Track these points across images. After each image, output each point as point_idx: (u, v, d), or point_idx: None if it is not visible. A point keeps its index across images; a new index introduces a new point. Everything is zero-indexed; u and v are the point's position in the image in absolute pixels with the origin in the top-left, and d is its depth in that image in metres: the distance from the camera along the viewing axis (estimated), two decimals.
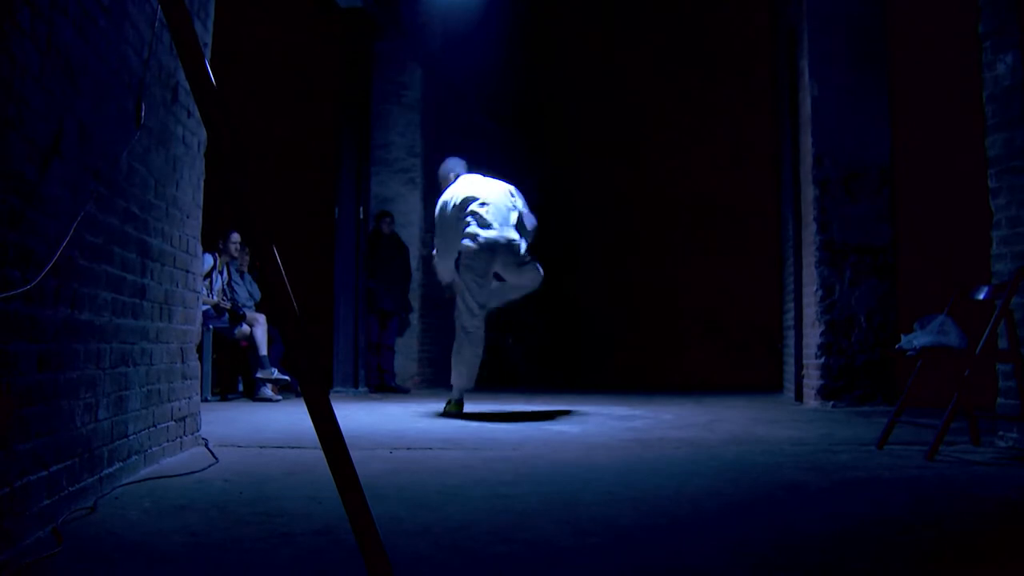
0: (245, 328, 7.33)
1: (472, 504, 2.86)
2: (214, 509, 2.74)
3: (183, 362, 3.88)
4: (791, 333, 7.90)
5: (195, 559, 2.20)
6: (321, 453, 1.98)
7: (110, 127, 2.90)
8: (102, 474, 2.89)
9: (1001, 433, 4.31)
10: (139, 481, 3.16)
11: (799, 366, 7.43)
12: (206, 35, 4.11)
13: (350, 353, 8.37)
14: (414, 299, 9.07)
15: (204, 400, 5.62)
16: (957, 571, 2.21)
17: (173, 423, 3.74)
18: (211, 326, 7.07)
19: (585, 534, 2.49)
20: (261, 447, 4.18)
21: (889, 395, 6.69)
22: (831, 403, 6.76)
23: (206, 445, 4.01)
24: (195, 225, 4.06)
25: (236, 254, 7.70)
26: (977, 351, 3.99)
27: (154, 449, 3.49)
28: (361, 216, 8.53)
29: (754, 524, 2.65)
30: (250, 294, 7.81)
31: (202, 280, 5.96)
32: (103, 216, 2.85)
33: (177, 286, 3.77)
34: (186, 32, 2.08)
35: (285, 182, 9.41)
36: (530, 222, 6.18)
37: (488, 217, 5.93)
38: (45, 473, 2.41)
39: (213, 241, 7.14)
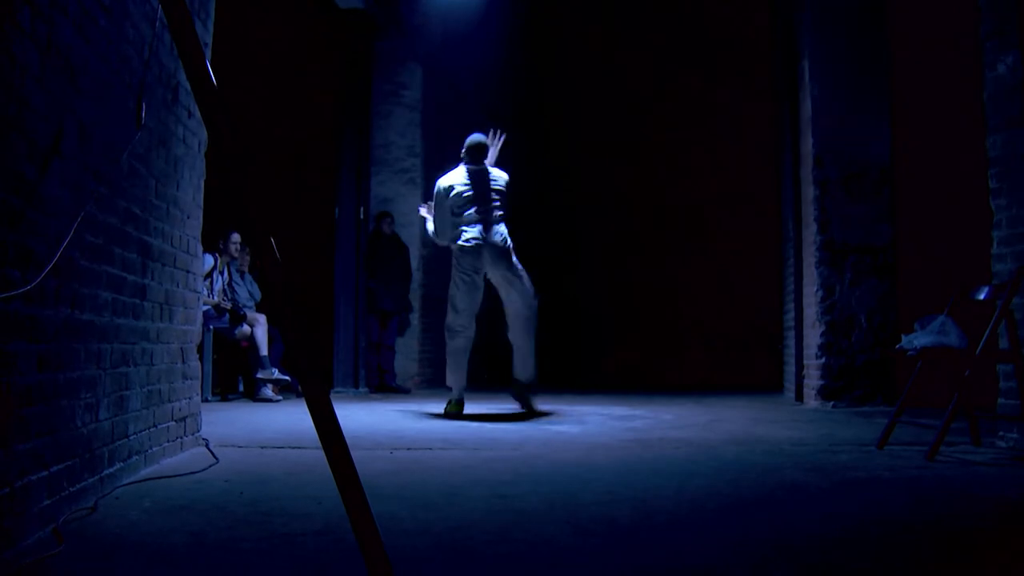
0: (245, 328, 7.33)
1: (472, 504, 2.86)
2: (214, 509, 2.74)
3: (184, 362, 3.88)
4: (791, 333, 7.89)
5: (195, 559, 2.21)
6: (321, 453, 1.98)
7: (111, 127, 2.90)
8: (103, 474, 2.89)
9: (1002, 433, 4.31)
10: (140, 481, 3.16)
11: (799, 366, 7.42)
12: (206, 35, 4.11)
13: (350, 353, 8.37)
14: (414, 299, 9.07)
15: (204, 400, 5.62)
16: (957, 571, 2.21)
17: (174, 423, 3.74)
18: (212, 326, 7.07)
19: (585, 534, 2.49)
20: (261, 447, 4.19)
21: (889, 395, 6.69)
22: (831, 403, 6.76)
23: (207, 445, 4.01)
24: (196, 225, 4.06)
25: (236, 254, 7.70)
26: (977, 351, 3.99)
27: (155, 449, 3.49)
28: (361, 216, 8.53)
29: (754, 524, 2.65)
30: (250, 294, 7.81)
31: (203, 280, 5.95)
32: (103, 216, 2.85)
33: (178, 286, 3.77)
34: (187, 32, 2.08)
35: (285, 182, 9.42)
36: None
37: (475, 214, 5.95)
38: (45, 473, 2.41)
39: (213, 241, 7.14)
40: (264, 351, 7.27)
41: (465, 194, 6.02)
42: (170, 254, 3.65)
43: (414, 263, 9.01)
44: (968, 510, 2.92)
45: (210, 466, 3.55)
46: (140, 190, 3.24)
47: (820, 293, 6.89)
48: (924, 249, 7.23)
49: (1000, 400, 4.28)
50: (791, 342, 7.91)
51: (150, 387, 3.41)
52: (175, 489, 3.06)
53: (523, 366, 6.22)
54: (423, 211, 6.28)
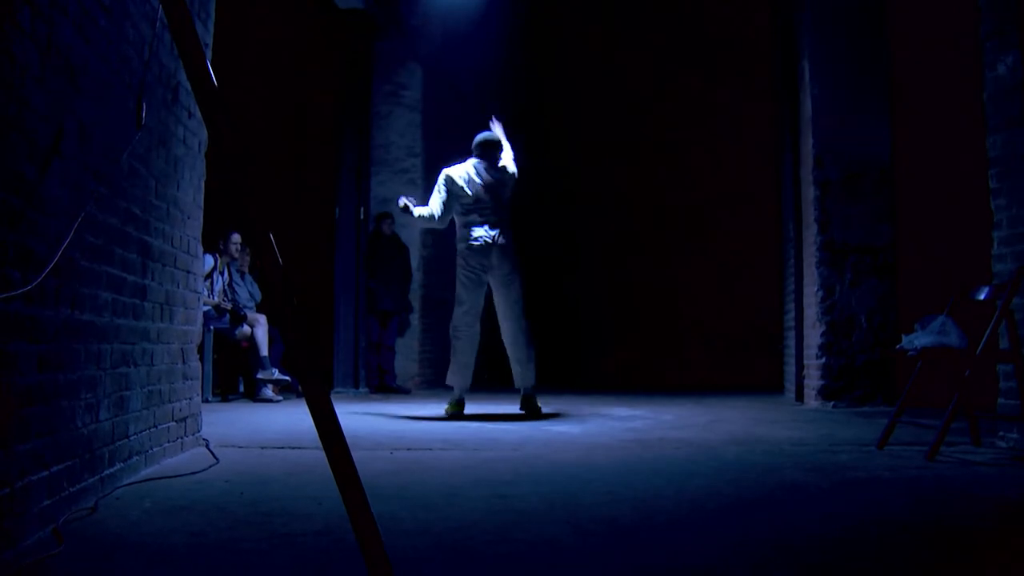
0: (246, 329, 7.34)
1: (472, 504, 2.86)
2: (215, 510, 2.74)
3: (184, 363, 3.88)
4: (791, 333, 7.89)
5: (196, 559, 2.21)
6: (321, 454, 1.98)
7: (111, 127, 2.90)
8: (103, 474, 2.89)
9: (1002, 434, 4.31)
10: (140, 482, 3.16)
11: (799, 366, 7.42)
12: (207, 35, 4.11)
13: (350, 353, 8.37)
14: (414, 299, 9.07)
15: (205, 401, 5.62)
16: (957, 571, 2.21)
17: (174, 424, 3.74)
18: (212, 327, 7.07)
19: (585, 534, 2.49)
20: (262, 448, 4.19)
21: (889, 395, 6.69)
22: (831, 403, 6.76)
23: (207, 446, 4.02)
24: (196, 226, 4.06)
25: (237, 255, 7.70)
26: (978, 352, 3.99)
27: (155, 450, 3.49)
28: (361, 216, 8.53)
29: (754, 524, 2.65)
30: (251, 295, 7.81)
31: (203, 281, 5.95)
32: (104, 216, 2.85)
33: (178, 287, 3.77)
34: (187, 32, 2.08)
35: (285, 182, 9.42)
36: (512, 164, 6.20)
37: (484, 214, 5.93)
38: (46, 473, 2.41)
39: (214, 242, 7.14)
40: (264, 351, 7.28)
41: (475, 191, 5.97)
42: (170, 254, 3.65)
43: (414, 263, 9.01)
44: (968, 510, 2.92)
45: (210, 466, 3.55)
46: (140, 190, 3.24)
47: (820, 293, 6.89)
48: (924, 249, 7.23)
49: (1000, 400, 4.28)
50: (791, 342, 7.91)
51: (150, 387, 3.41)
52: (175, 489, 3.06)
53: (523, 376, 6.15)
54: (403, 201, 6.09)
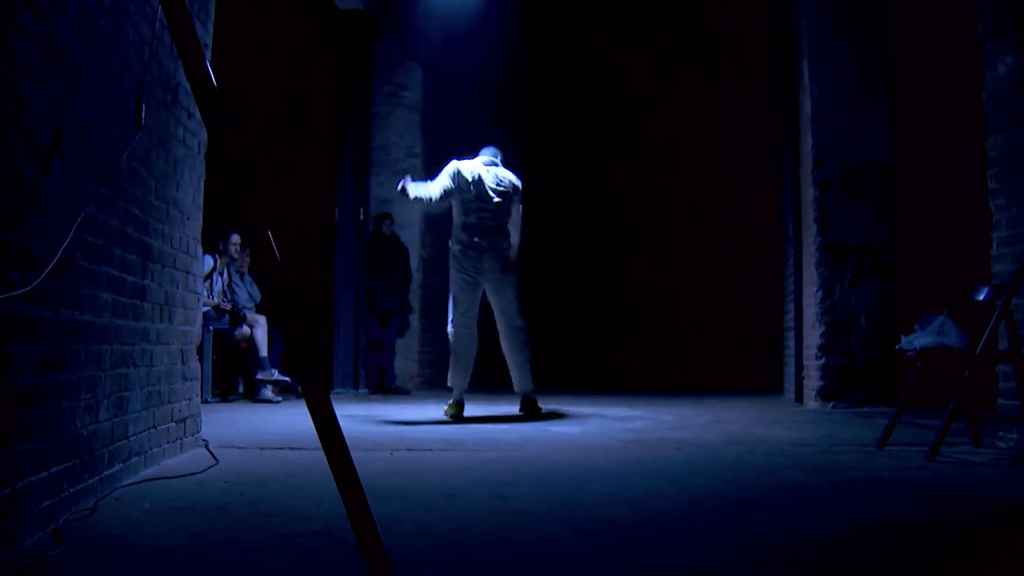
0: (245, 329, 7.33)
1: (473, 505, 2.86)
2: (214, 510, 2.74)
3: (183, 363, 3.88)
4: (791, 334, 7.90)
5: (195, 560, 2.20)
6: (321, 454, 1.98)
7: (110, 128, 2.90)
8: (103, 475, 2.89)
9: (1002, 434, 4.31)
10: (140, 482, 3.16)
11: (799, 367, 7.42)
12: (206, 36, 4.11)
13: (350, 354, 8.37)
14: (414, 300, 9.07)
15: (204, 401, 5.62)
16: (957, 571, 2.21)
17: (173, 424, 3.74)
18: (211, 327, 7.07)
19: (585, 535, 2.49)
20: (261, 448, 4.18)
21: (889, 396, 6.69)
22: (831, 404, 6.76)
23: (206, 446, 4.01)
24: (195, 226, 4.06)
25: (236, 255, 7.70)
26: (977, 352, 3.99)
27: (154, 450, 3.49)
28: (361, 217, 8.53)
29: (754, 524, 2.65)
30: (250, 295, 7.81)
31: (202, 282, 5.95)
32: (103, 217, 2.85)
33: (177, 287, 3.77)
34: (187, 32, 2.08)
35: (285, 183, 9.41)
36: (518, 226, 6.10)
37: (482, 218, 5.89)
38: (45, 474, 2.41)
39: (213, 242, 7.14)
40: (264, 352, 7.27)
41: (479, 191, 5.91)
42: (170, 255, 3.65)
43: (414, 264, 9.01)
44: (968, 510, 2.92)
45: (210, 467, 3.55)
46: (140, 191, 3.24)
47: (820, 294, 6.89)
48: (924, 249, 7.23)
49: (1000, 400, 4.28)
50: (791, 343, 7.91)
51: (150, 388, 3.41)
52: (175, 490, 3.06)
53: (520, 379, 6.12)
54: (401, 183, 5.98)
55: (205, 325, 6.43)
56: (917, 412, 5.10)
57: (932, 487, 3.28)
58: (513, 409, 6.29)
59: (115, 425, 3.01)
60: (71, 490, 2.60)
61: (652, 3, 12.90)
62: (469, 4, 9.59)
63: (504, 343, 6.08)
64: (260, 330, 7.34)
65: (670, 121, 12.72)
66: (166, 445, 3.64)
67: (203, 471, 3.45)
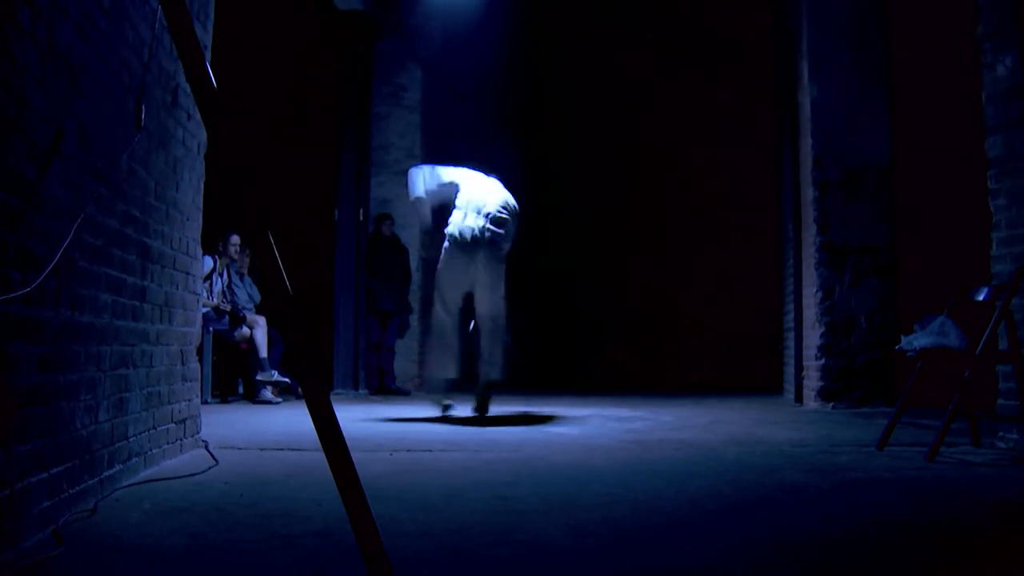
0: (245, 330, 7.33)
1: (472, 506, 2.86)
2: (214, 511, 2.74)
3: (183, 364, 3.88)
4: (791, 334, 7.90)
5: (195, 561, 2.20)
6: (321, 455, 1.98)
7: (110, 129, 2.91)
8: (102, 476, 2.89)
9: (1001, 434, 4.31)
10: (139, 483, 3.16)
11: (799, 367, 7.42)
12: (206, 37, 4.11)
13: (350, 354, 8.37)
14: (414, 301, 9.07)
15: (204, 402, 5.62)
16: (957, 572, 2.21)
17: (173, 425, 3.74)
18: (211, 328, 7.07)
19: (585, 535, 2.49)
20: (261, 449, 4.18)
21: (889, 396, 6.69)
22: (831, 404, 6.76)
23: (206, 447, 4.01)
24: (195, 227, 4.06)
25: (236, 256, 7.70)
26: (977, 352, 3.99)
27: (154, 451, 3.49)
28: (361, 218, 8.54)
29: (754, 525, 2.65)
30: (250, 296, 7.81)
31: (202, 283, 5.95)
32: (103, 218, 2.85)
33: (177, 288, 3.77)
34: (187, 33, 2.08)
35: (285, 184, 9.41)
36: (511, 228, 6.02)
37: (478, 212, 5.84)
38: (45, 475, 2.41)
39: (213, 243, 7.14)
40: (263, 353, 7.27)
41: (480, 193, 5.90)
42: (169, 256, 3.65)
43: (414, 265, 9.01)
44: (968, 511, 2.92)
45: (210, 468, 3.55)
46: (139, 192, 3.24)
47: (820, 294, 6.89)
48: (924, 249, 7.24)
49: (1000, 401, 4.28)
50: (791, 343, 7.91)
51: (150, 389, 3.41)
52: (175, 491, 3.06)
53: (488, 364, 5.91)
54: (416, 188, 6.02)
55: (205, 326, 6.43)
56: (917, 412, 5.10)
57: (932, 487, 3.28)
58: (513, 410, 6.28)
59: (115, 426, 3.01)
60: (71, 491, 2.60)
61: (652, 3, 12.90)
62: (469, 4, 9.59)
63: (482, 327, 5.94)
64: (260, 331, 7.34)
65: (670, 121, 12.72)
66: (166, 446, 3.64)
67: (203, 472, 3.45)
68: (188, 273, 3.95)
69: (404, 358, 8.98)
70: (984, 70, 4.40)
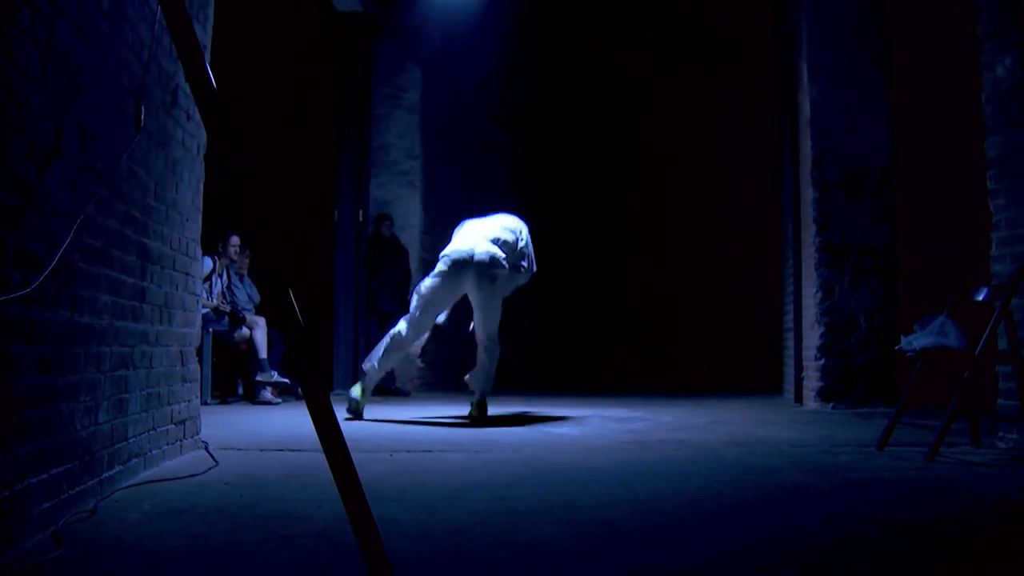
0: (245, 331, 7.33)
1: (472, 506, 2.86)
2: (214, 512, 2.74)
3: (183, 365, 3.88)
4: (791, 335, 7.90)
5: (195, 562, 2.20)
6: (320, 456, 1.98)
7: (110, 129, 2.91)
8: (102, 477, 2.89)
9: (1001, 434, 4.31)
10: (139, 484, 3.16)
11: (799, 368, 7.42)
12: (205, 38, 4.11)
13: (350, 355, 8.37)
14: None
15: (204, 403, 5.62)
16: (957, 572, 2.21)
17: (173, 426, 3.74)
18: (211, 329, 7.06)
19: (585, 536, 2.49)
20: (261, 450, 4.18)
21: (889, 396, 6.69)
22: (831, 405, 6.76)
23: (206, 448, 4.01)
24: (194, 228, 4.06)
25: (235, 257, 7.69)
26: (977, 352, 3.99)
27: (154, 452, 3.49)
28: (360, 219, 8.53)
29: (754, 525, 2.65)
30: (249, 297, 7.81)
31: (202, 283, 5.95)
32: (103, 218, 2.85)
33: (177, 289, 3.77)
34: (186, 34, 2.08)
35: (285, 184, 9.41)
36: (527, 262, 5.93)
37: (463, 238, 5.83)
38: (45, 476, 2.41)
39: (212, 244, 7.14)
40: (263, 354, 7.27)
41: (470, 220, 5.93)
42: (169, 257, 3.65)
43: (413, 266, 9.00)
44: (968, 511, 2.92)
45: (209, 469, 3.55)
46: (139, 193, 3.24)
47: (819, 294, 6.89)
48: (924, 249, 7.24)
49: (1000, 401, 4.28)
50: (791, 343, 7.91)
51: (149, 390, 3.41)
52: (174, 492, 3.06)
53: (483, 379, 5.89)
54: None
55: (204, 327, 6.43)
56: (917, 412, 5.10)
57: (932, 487, 3.28)
58: (513, 410, 6.28)
59: (115, 427, 3.01)
60: (71, 492, 2.60)
61: (652, 3, 12.90)
62: (468, 5, 9.59)
63: (479, 346, 5.92)
64: (260, 332, 7.34)
65: (670, 121, 12.73)
66: (166, 447, 3.64)
67: (203, 473, 3.45)
68: (188, 274, 3.95)
69: (404, 359, 8.96)
70: (984, 70, 4.40)
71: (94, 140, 2.75)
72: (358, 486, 1.90)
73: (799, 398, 7.37)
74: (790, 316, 7.94)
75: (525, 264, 5.96)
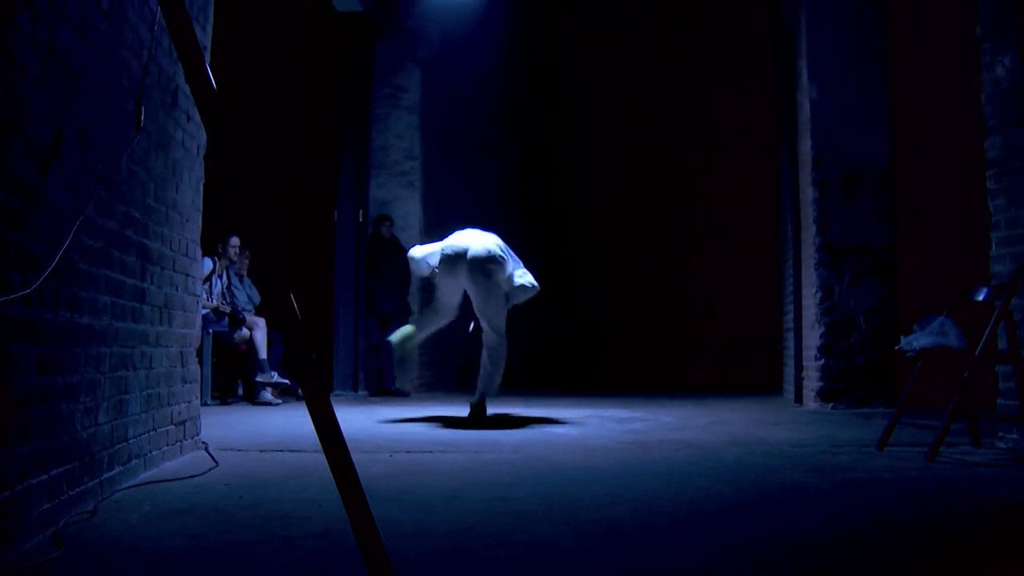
0: (245, 332, 7.33)
1: (472, 507, 2.86)
2: (214, 513, 2.74)
3: (183, 366, 3.88)
4: (791, 335, 7.90)
5: (195, 562, 2.20)
6: (320, 457, 1.98)
7: (110, 130, 2.91)
8: (102, 478, 2.89)
9: (1001, 434, 4.31)
10: (139, 485, 3.16)
11: (799, 368, 7.42)
12: (205, 39, 4.11)
13: (350, 355, 8.37)
14: (414, 302, 9.06)
15: (204, 404, 5.62)
16: (957, 571, 2.21)
17: (173, 427, 3.74)
18: (211, 330, 7.06)
19: (585, 536, 2.49)
20: (261, 451, 4.18)
21: (889, 396, 6.68)
22: (831, 405, 6.76)
23: (206, 449, 4.01)
24: (194, 229, 4.06)
25: (235, 258, 7.69)
26: (977, 352, 3.99)
27: (154, 453, 3.49)
28: (360, 219, 8.53)
29: (754, 525, 2.65)
30: (249, 298, 7.81)
31: (201, 284, 5.95)
32: (102, 219, 2.85)
33: (177, 290, 3.77)
34: (186, 35, 2.08)
35: (285, 185, 9.42)
36: (521, 281, 5.85)
37: (458, 238, 5.87)
38: (45, 476, 2.41)
39: (212, 245, 7.14)
40: (263, 355, 7.27)
41: (460, 236, 5.93)
42: (169, 258, 3.65)
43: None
44: (968, 511, 2.92)
45: (209, 470, 3.55)
46: (139, 193, 3.24)
47: (819, 294, 6.89)
48: (924, 249, 7.23)
49: (1000, 401, 4.28)
50: (790, 343, 7.91)
51: (149, 391, 3.41)
52: (174, 493, 3.06)
53: (483, 378, 5.89)
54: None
55: (204, 328, 6.43)
56: (917, 412, 5.10)
57: (932, 487, 3.28)
58: (512, 410, 6.28)
59: (115, 428, 3.01)
60: (71, 493, 2.60)
61: (652, 3, 12.91)
62: (468, 5, 9.59)
63: (484, 343, 5.95)
64: (259, 332, 7.34)
65: (670, 121, 12.73)
66: (166, 448, 3.64)
67: (203, 474, 3.45)
68: (187, 275, 3.95)
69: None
70: (983, 70, 4.40)
71: (94, 141, 2.75)
72: (358, 487, 1.90)
73: (799, 398, 7.37)
74: (790, 316, 7.94)
75: (529, 283, 5.86)
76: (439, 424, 5.58)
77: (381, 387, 8.53)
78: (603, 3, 13.13)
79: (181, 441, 3.85)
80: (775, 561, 2.24)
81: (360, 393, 8.32)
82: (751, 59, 11.17)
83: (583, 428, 5.35)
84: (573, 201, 13.29)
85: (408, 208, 9.22)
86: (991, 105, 4.37)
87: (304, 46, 9.54)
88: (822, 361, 6.83)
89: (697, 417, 6.10)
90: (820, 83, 7.01)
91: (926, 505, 2.99)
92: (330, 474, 1.92)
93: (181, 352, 3.85)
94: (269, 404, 7.13)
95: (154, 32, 3.29)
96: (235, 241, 7.61)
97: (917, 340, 4.18)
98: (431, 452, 4.18)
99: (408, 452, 4.17)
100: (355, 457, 1.96)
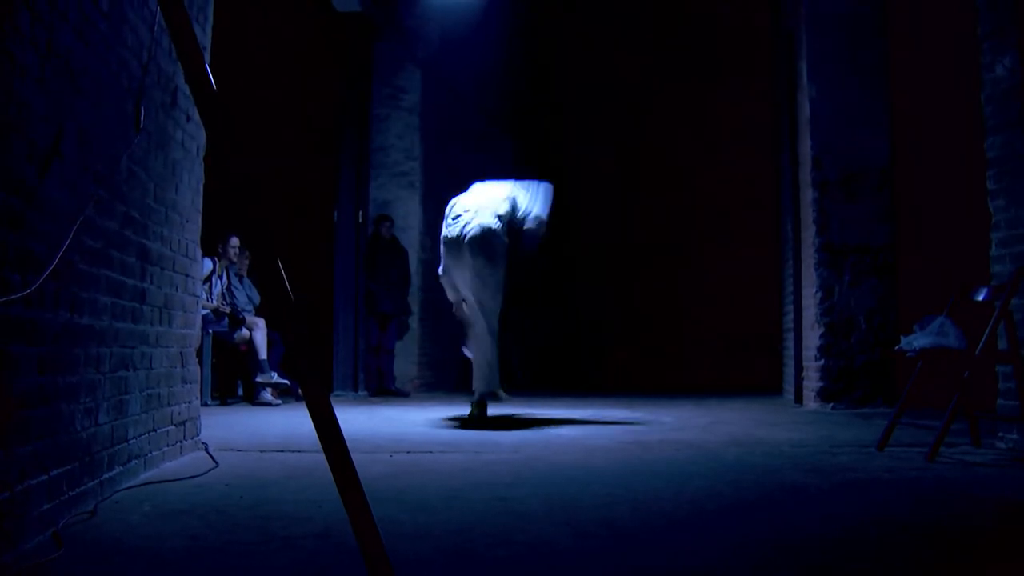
0: (245, 332, 7.33)
1: (472, 507, 2.86)
2: (214, 513, 2.74)
3: (183, 366, 3.88)
4: (791, 335, 7.89)
5: (195, 563, 2.20)
6: (320, 457, 1.98)
7: (110, 131, 2.91)
8: (102, 478, 2.89)
9: (1001, 434, 4.31)
10: (139, 485, 3.16)
11: (799, 368, 7.42)
12: (205, 39, 4.11)
13: (350, 356, 8.36)
14: (414, 303, 9.06)
15: (204, 404, 5.62)
16: (957, 571, 2.21)
17: (173, 427, 3.74)
18: (211, 330, 7.06)
19: (585, 536, 2.49)
20: (261, 451, 4.18)
21: (889, 397, 6.68)
22: (831, 405, 6.76)
23: (206, 449, 4.01)
24: (194, 229, 4.06)
25: (235, 258, 7.69)
26: (977, 352, 3.99)
27: (154, 453, 3.49)
28: (360, 220, 8.53)
29: (754, 525, 2.65)
30: (249, 298, 7.80)
31: (201, 284, 5.95)
32: (102, 220, 2.85)
33: (176, 290, 3.77)
34: (186, 36, 2.08)
35: (285, 185, 9.42)
36: (530, 223, 5.83)
37: (453, 219, 5.75)
38: (45, 477, 2.41)
39: (212, 245, 7.14)
40: (263, 355, 7.27)
41: (462, 204, 5.82)
42: (169, 258, 3.65)
43: (413, 267, 9.00)
44: (968, 511, 2.92)
45: (209, 470, 3.55)
46: (139, 194, 3.24)
47: (819, 294, 6.89)
48: (924, 249, 7.23)
49: (1000, 401, 4.28)
50: (790, 344, 7.91)
51: (149, 391, 3.41)
52: (175, 493, 3.06)
53: (479, 377, 5.70)
54: None
55: (204, 328, 6.42)
56: (917, 413, 5.10)
57: (932, 487, 3.28)
58: (513, 410, 6.28)
59: (115, 428, 3.01)
60: (71, 493, 2.60)
61: (652, 3, 12.90)
62: (467, 5, 9.59)
63: (471, 333, 5.81)
64: (259, 333, 7.34)
65: (670, 121, 12.72)
66: (166, 448, 3.64)
67: (203, 474, 3.45)
68: (187, 275, 3.95)
69: (403, 360, 8.98)
70: (983, 70, 4.40)
71: (94, 141, 2.75)
72: (358, 487, 1.90)
73: (799, 398, 7.37)
74: (790, 316, 7.94)
75: (532, 218, 5.84)
76: (439, 424, 5.58)
77: (381, 387, 8.54)
78: (603, 3, 13.12)
79: (181, 441, 3.85)
80: (775, 561, 2.24)
81: (360, 393, 8.32)
82: (751, 59, 11.16)
83: (583, 428, 5.35)
84: (573, 201, 13.27)
85: (408, 208, 9.22)
86: (991, 105, 4.37)
87: (304, 46, 9.54)
88: (822, 361, 6.83)
89: (697, 417, 6.10)
90: (820, 83, 7.01)
91: (926, 505, 2.99)
92: (330, 474, 1.92)
93: (181, 352, 3.85)
94: (269, 404, 7.13)
95: (154, 32, 3.29)
96: (235, 241, 7.61)
97: (917, 340, 4.18)
98: (431, 452, 4.18)
99: (408, 452, 4.17)
100: (355, 457, 1.96)
